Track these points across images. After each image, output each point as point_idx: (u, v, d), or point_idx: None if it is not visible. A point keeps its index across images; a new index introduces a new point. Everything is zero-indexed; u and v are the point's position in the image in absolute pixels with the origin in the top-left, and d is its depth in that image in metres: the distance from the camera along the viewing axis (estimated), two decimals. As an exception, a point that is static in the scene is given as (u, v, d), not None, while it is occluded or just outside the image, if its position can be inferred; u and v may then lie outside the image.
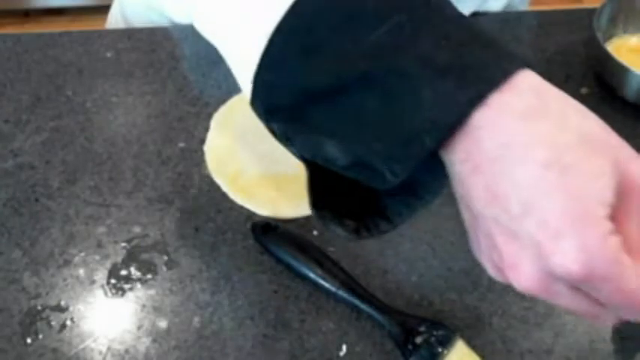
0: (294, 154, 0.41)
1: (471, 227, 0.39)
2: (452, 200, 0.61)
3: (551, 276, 0.34)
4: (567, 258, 0.33)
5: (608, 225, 0.33)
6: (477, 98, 0.34)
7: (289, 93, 0.38)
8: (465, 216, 0.39)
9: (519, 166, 0.34)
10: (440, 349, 0.50)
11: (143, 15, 0.81)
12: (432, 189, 0.42)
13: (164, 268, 0.57)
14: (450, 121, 0.35)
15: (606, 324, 0.43)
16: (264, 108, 0.40)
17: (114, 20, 0.88)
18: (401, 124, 0.36)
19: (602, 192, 0.33)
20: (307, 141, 0.40)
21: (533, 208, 0.34)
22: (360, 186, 0.40)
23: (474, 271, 0.57)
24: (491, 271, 0.38)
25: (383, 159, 0.37)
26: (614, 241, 0.33)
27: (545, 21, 0.77)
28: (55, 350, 0.52)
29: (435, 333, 0.51)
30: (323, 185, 0.42)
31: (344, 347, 0.53)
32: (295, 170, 0.63)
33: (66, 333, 0.53)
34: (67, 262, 0.57)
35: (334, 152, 0.38)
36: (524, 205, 0.34)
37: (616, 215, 0.34)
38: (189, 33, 0.75)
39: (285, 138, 0.41)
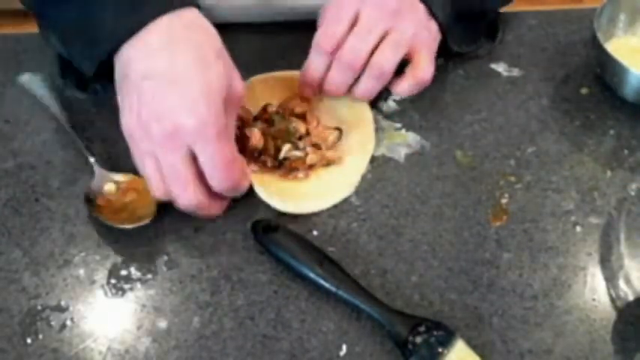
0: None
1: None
2: (452, 201, 0.61)
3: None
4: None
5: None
6: (140, 24, 0.53)
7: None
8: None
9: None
10: (440, 349, 0.50)
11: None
12: None
13: (164, 268, 0.57)
14: (122, 36, 0.54)
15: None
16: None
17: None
18: (93, 31, 0.56)
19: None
20: (44, 33, 0.68)
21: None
22: None
23: (473, 271, 0.57)
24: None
25: (80, 55, 0.59)
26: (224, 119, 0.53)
27: (545, 21, 0.77)
28: (55, 350, 0.52)
29: (435, 333, 0.51)
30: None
31: (344, 347, 0.53)
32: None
33: (66, 333, 0.53)
34: (67, 262, 0.57)
35: (57, 44, 0.64)
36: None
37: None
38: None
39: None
